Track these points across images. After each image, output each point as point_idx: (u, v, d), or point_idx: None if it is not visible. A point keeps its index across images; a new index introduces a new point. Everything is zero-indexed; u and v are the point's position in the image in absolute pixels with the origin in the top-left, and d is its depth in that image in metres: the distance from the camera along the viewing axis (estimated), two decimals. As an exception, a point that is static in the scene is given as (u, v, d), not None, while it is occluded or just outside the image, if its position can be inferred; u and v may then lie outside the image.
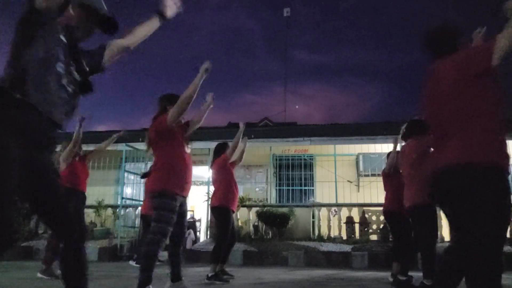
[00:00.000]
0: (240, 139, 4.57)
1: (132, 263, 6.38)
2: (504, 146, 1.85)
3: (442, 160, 1.92)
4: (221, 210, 4.32)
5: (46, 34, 1.53)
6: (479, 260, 1.73)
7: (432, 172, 2.00)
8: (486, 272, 1.71)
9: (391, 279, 4.29)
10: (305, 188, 9.96)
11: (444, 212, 2.14)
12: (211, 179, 4.80)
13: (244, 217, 8.09)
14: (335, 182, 8.87)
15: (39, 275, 4.37)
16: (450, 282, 1.97)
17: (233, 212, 4.46)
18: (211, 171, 4.80)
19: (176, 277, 3.29)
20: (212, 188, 4.97)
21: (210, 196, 5.10)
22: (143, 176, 6.16)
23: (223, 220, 4.31)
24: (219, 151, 4.64)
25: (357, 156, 9.80)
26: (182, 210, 3.14)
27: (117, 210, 8.53)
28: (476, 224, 1.76)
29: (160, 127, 3.05)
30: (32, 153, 1.48)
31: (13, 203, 1.40)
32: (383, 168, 4.77)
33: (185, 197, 3.15)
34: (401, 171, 4.12)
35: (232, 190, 4.41)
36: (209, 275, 4.15)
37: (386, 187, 4.60)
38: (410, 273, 4.00)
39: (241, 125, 4.55)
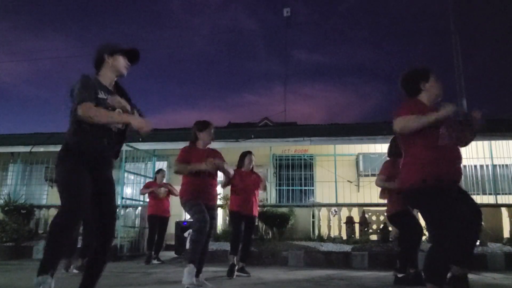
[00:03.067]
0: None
1: (154, 261, 6.65)
2: (432, 170, 2.41)
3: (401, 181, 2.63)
4: (230, 213, 5.09)
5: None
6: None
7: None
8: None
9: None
10: (305, 188, 9.96)
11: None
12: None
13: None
14: (335, 182, 8.87)
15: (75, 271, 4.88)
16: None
17: (249, 215, 4.93)
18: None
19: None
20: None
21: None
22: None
23: (231, 223, 5.15)
24: (239, 160, 5.14)
25: (357, 156, 9.80)
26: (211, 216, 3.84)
27: (117, 210, 8.53)
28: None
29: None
30: (92, 172, 2.30)
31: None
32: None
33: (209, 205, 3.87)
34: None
35: (243, 197, 4.91)
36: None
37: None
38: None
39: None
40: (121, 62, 2.48)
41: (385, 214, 4.55)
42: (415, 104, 2.61)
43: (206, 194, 3.87)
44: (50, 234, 2.13)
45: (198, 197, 3.80)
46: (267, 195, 9.19)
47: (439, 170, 2.42)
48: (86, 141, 2.28)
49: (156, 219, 6.83)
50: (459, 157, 2.53)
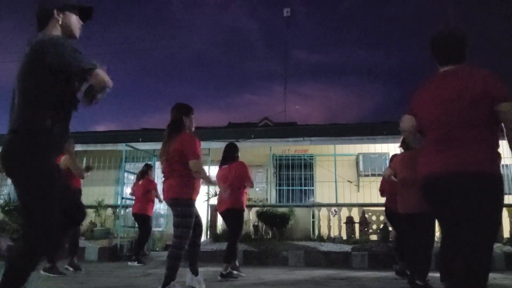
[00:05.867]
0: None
1: (132, 263, 6.39)
2: (499, 158, 2.00)
3: (444, 166, 2.00)
4: (240, 212, 4.73)
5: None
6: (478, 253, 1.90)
7: (430, 176, 2.07)
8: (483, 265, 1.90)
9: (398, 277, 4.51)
10: (305, 188, 9.96)
11: (440, 214, 2.22)
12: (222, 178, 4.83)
13: (244, 217, 8.07)
14: (335, 182, 8.87)
15: (42, 272, 4.39)
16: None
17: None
18: (226, 170, 4.79)
19: (195, 271, 3.62)
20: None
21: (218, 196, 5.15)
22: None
23: (239, 223, 4.75)
24: (234, 153, 4.78)
25: (357, 156, 9.80)
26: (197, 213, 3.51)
27: (117, 210, 8.53)
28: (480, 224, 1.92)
29: (184, 152, 3.29)
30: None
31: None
32: (383, 168, 4.83)
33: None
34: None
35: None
36: (224, 273, 4.45)
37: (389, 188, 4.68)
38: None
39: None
40: (75, 21, 1.95)
41: (399, 211, 3.91)
42: None
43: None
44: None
45: (195, 193, 3.39)
46: (267, 195, 9.20)
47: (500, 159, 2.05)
48: (58, 122, 1.80)
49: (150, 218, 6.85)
50: None
